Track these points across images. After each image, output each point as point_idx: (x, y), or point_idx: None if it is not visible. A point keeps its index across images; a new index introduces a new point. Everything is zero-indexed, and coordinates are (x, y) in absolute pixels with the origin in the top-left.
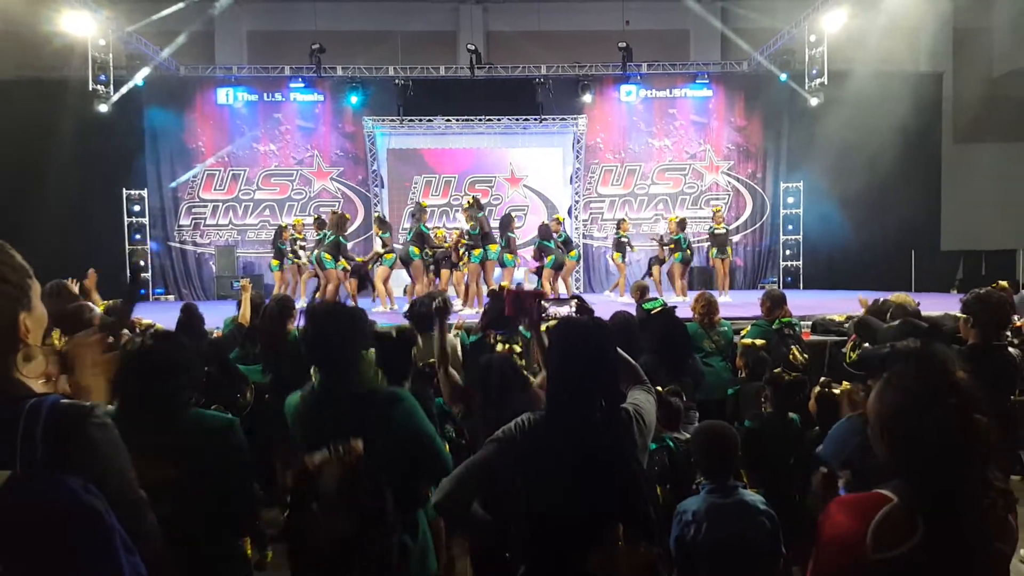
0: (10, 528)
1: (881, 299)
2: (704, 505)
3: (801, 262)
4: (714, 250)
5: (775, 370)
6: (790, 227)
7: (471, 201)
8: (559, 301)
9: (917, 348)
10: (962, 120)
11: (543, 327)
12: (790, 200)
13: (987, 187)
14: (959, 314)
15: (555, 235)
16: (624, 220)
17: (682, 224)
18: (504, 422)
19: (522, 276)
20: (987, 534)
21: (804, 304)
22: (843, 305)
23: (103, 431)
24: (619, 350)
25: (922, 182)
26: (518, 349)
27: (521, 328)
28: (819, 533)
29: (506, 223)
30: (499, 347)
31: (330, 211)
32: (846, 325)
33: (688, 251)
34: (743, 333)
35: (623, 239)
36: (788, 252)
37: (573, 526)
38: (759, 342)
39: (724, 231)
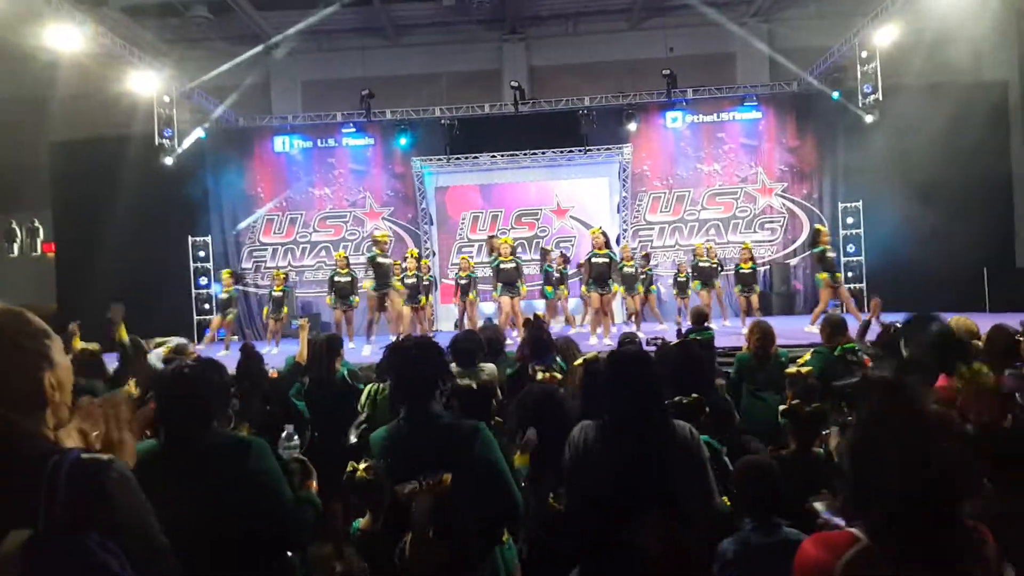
0: None
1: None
2: (745, 544)
3: (864, 284)
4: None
5: (794, 401)
6: (851, 248)
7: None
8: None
9: (882, 379)
10: None
11: (577, 362)
12: (849, 220)
13: None
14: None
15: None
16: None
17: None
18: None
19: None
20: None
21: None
22: None
23: (122, 484)
24: None
25: (992, 196)
26: (559, 376)
27: (558, 358)
28: (794, 570)
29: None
30: (539, 376)
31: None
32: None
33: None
34: (800, 361)
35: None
36: (850, 274)
37: (616, 509)
38: (805, 369)
39: (708, 264)
